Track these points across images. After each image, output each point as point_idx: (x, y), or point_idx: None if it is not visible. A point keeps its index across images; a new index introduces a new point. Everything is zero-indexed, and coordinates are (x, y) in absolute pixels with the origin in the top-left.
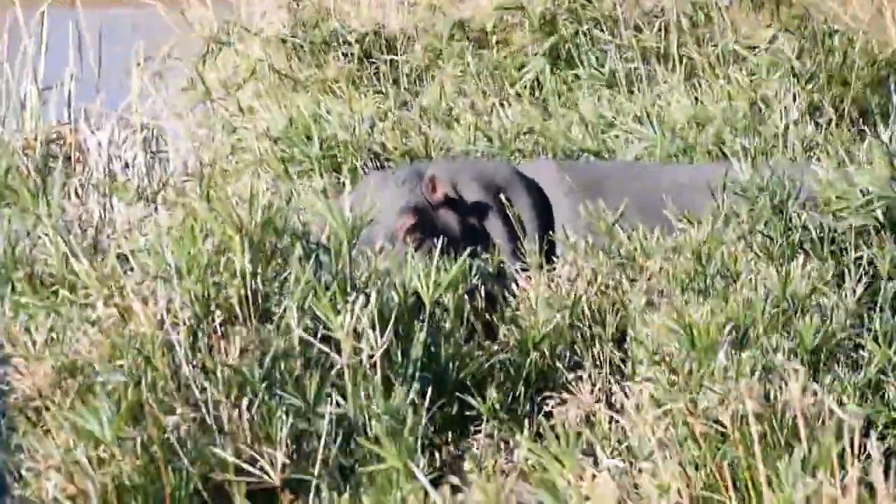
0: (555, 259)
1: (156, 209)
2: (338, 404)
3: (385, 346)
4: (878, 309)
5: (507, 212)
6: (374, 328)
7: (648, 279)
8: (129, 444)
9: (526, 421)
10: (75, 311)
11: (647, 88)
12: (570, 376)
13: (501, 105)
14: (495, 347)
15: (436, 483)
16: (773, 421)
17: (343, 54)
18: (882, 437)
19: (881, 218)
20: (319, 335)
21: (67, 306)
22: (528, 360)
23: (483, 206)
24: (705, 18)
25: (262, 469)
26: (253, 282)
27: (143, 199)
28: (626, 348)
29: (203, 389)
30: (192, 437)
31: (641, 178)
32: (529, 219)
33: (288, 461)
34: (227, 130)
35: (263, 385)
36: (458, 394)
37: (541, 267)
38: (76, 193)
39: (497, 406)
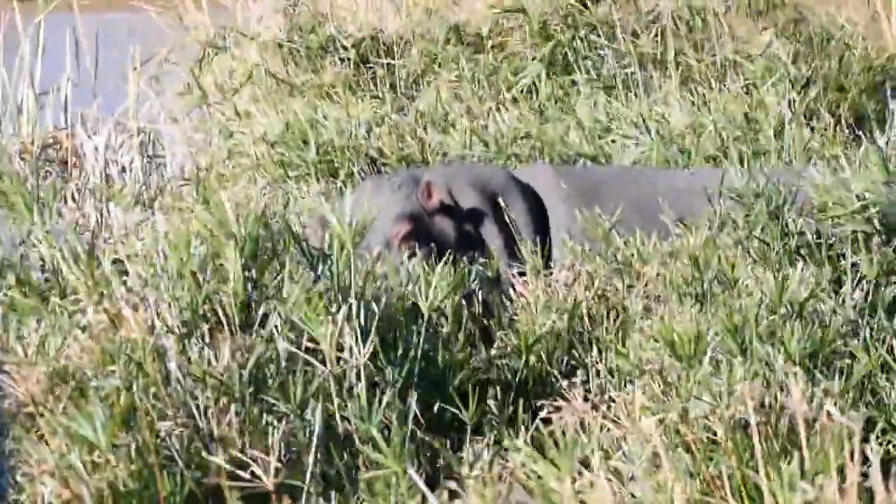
0: (551, 264)
1: (152, 213)
2: (327, 411)
3: (370, 355)
4: (870, 314)
5: (503, 217)
6: (362, 337)
7: (645, 285)
8: (123, 450)
9: (522, 427)
10: (66, 317)
11: (644, 94)
12: (566, 383)
13: (498, 110)
14: (492, 353)
15: (432, 488)
16: (770, 427)
17: (340, 59)
18: (879, 442)
19: (877, 224)
20: (305, 345)
21: (58, 312)
22: (525, 365)
23: (479, 212)
24: (702, 24)
25: (254, 474)
26: (244, 288)
27: (138, 204)
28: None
29: (194, 395)
30: (184, 442)
31: (638, 182)
32: (525, 224)
33: (281, 466)
34: (224, 135)
35: (249, 392)
36: (452, 400)
37: (538, 272)
38: (73, 198)
39: (495, 411)
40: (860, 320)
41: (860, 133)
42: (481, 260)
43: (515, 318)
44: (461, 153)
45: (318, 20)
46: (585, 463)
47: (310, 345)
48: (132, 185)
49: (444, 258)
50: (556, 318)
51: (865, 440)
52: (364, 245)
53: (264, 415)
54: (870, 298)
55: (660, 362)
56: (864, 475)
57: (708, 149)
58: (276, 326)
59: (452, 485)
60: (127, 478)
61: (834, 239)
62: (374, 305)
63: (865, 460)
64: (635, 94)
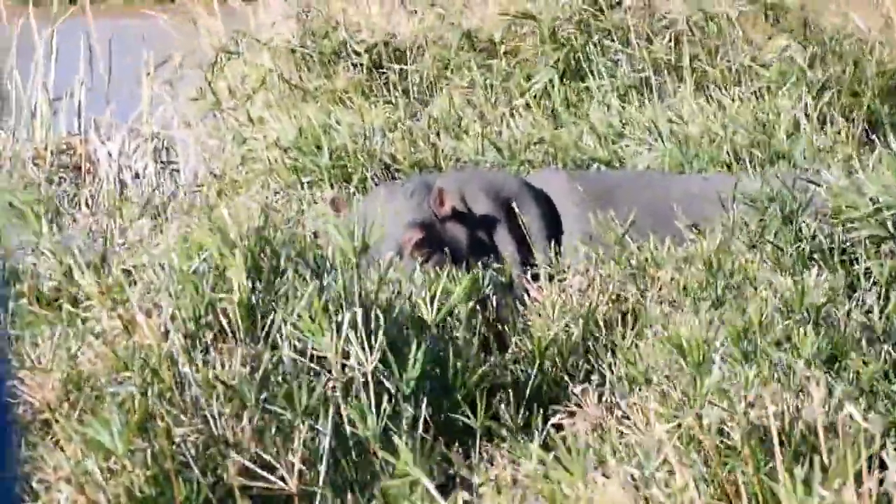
0: (565, 270)
1: (165, 220)
2: (338, 417)
3: (376, 363)
4: (883, 317)
5: (516, 223)
6: (368, 345)
7: (659, 290)
8: (138, 455)
9: (536, 432)
10: (80, 324)
11: (658, 99)
12: (580, 388)
13: (511, 115)
14: (506, 357)
15: (445, 494)
16: (787, 432)
17: (353, 64)
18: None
19: (891, 227)
20: (311, 353)
21: (72, 319)
22: (539, 370)
23: (492, 219)
24: (716, 29)
25: (280, 477)
26: (249, 298)
27: (145, 214)
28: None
29: (209, 402)
30: (199, 447)
31: (652, 187)
32: (538, 229)
33: (304, 468)
34: (238, 140)
35: (260, 399)
36: (462, 405)
37: (551, 277)
38: (86, 204)
39: (508, 417)
40: (874, 324)
41: (874, 137)
42: (495, 265)
43: (530, 323)
44: (474, 159)
45: (330, 25)
46: (599, 468)
47: (316, 352)
48: (142, 194)
49: (456, 265)
50: (570, 323)
51: (882, 445)
52: (376, 252)
53: (275, 421)
54: (882, 302)
55: (670, 368)
56: (881, 480)
57: (722, 154)
58: (280, 335)
59: (465, 495)
60: (143, 484)
61: (847, 243)
62: (379, 312)
63: (882, 465)
64: (649, 100)
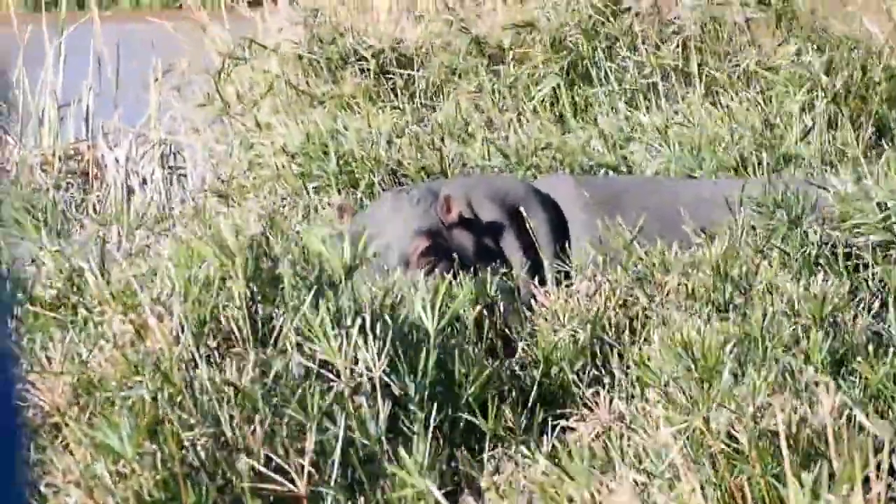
0: (572, 275)
1: (171, 226)
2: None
3: (384, 368)
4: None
5: (523, 229)
6: (375, 351)
7: (667, 295)
8: (148, 459)
9: (543, 437)
10: (91, 328)
11: (666, 104)
12: (589, 392)
13: (518, 121)
14: (513, 362)
15: (451, 501)
16: (795, 437)
17: (360, 70)
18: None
19: None
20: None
21: (82, 323)
22: (547, 375)
23: (498, 225)
24: (725, 35)
25: (290, 480)
26: (250, 307)
27: (144, 224)
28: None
29: (220, 406)
30: (209, 451)
31: (660, 192)
32: (545, 235)
33: (313, 471)
34: (245, 146)
35: (271, 404)
36: (471, 410)
37: (559, 282)
38: (94, 210)
39: (512, 422)
40: (881, 329)
41: (882, 142)
42: (502, 270)
43: (537, 328)
44: (481, 164)
45: (338, 31)
46: (606, 472)
47: (323, 356)
48: (148, 200)
49: (464, 271)
50: (577, 328)
51: (893, 451)
52: (382, 260)
53: (285, 426)
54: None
55: (679, 373)
56: (890, 486)
57: (729, 158)
58: (288, 341)
59: (471, 501)
60: (152, 487)
61: (852, 248)
62: (388, 317)
63: (892, 471)
64: (657, 105)
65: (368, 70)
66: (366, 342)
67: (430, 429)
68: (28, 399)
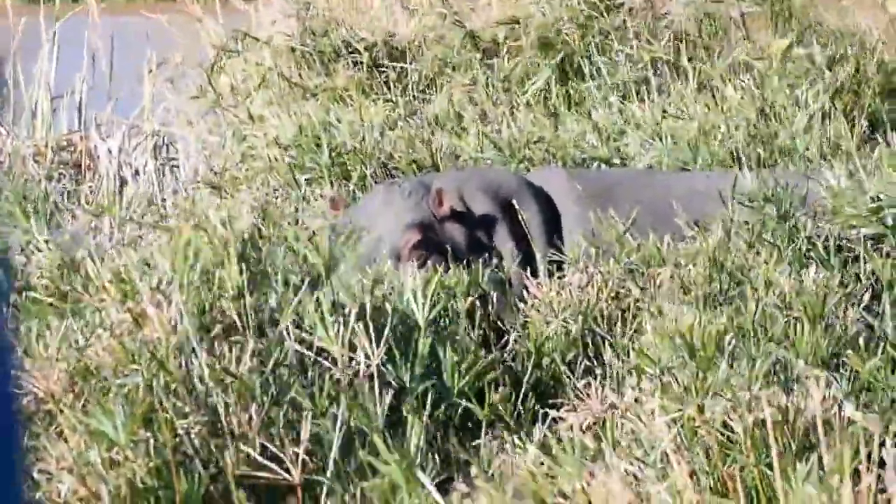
0: (564, 267)
1: (162, 218)
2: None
3: (381, 357)
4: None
5: (515, 222)
6: (369, 340)
7: (659, 287)
8: (141, 447)
9: (535, 427)
10: (88, 316)
11: (659, 98)
12: (581, 383)
13: (511, 114)
14: (505, 354)
15: (443, 489)
16: (786, 428)
17: (353, 62)
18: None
19: (891, 224)
20: (316, 347)
21: (80, 311)
22: (539, 367)
23: (491, 218)
24: (719, 30)
25: (285, 469)
26: (245, 297)
27: (134, 217)
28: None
29: (217, 393)
30: (203, 439)
31: (652, 185)
32: (538, 227)
33: (308, 460)
34: (238, 138)
35: (270, 392)
36: (464, 400)
37: (551, 274)
38: (86, 201)
39: (504, 412)
40: (873, 323)
41: (875, 136)
42: (494, 262)
43: (529, 319)
44: (473, 157)
45: (330, 24)
46: (596, 462)
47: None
48: (139, 193)
49: (455, 265)
50: (569, 320)
51: (882, 443)
52: (374, 253)
53: (282, 415)
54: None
55: (675, 362)
56: (880, 477)
57: (722, 151)
58: (286, 329)
59: (463, 487)
60: (145, 475)
61: (843, 241)
62: (388, 307)
63: (882, 463)
64: (650, 98)
65: (361, 63)
66: (367, 330)
67: (424, 418)
68: (23, 386)
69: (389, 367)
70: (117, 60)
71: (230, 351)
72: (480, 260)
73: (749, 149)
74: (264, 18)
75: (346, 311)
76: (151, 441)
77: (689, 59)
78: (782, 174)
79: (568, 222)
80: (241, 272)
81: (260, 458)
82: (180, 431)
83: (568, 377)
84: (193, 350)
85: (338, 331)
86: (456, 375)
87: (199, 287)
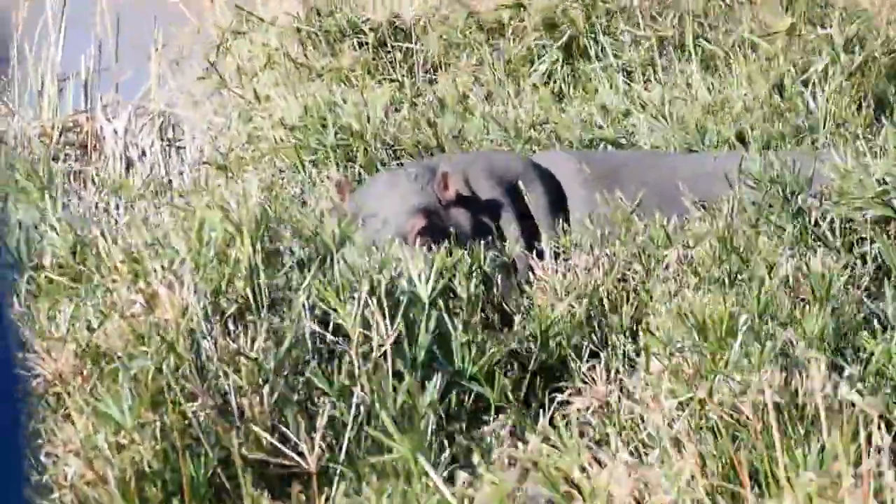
0: (571, 248)
1: (170, 198)
2: (352, 392)
3: (395, 336)
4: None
5: (521, 205)
6: (383, 318)
7: (665, 268)
8: (148, 430)
9: (540, 411)
10: (99, 297)
11: (664, 78)
12: (586, 366)
13: (517, 95)
14: (510, 336)
15: (448, 472)
16: (791, 411)
17: (358, 43)
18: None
19: None
20: (331, 327)
21: (92, 292)
22: (544, 349)
23: (496, 202)
24: (726, 7)
25: (299, 454)
26: (258, 276)
27: (150, 194)
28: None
29: (226, 375)
30: (212, 423)
31: (658, 167)
32: (544, 210)
33: (324, 447)
34: (244, 119)
35: (284, 374)
36: (470, 383)
37: (557, 255)
38: (92, 181)
39: (509, 395)
40: (872, 306)
41: (880, 117)
42: (499, 244)
43: (534, 302)
44: (479, 138)
45: (335, 4)
46: (601, 446)
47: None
48: (145, 174)
49: (459, 247)
50: (574, 302)
51: (889, 426)
52: (377, 238)
53: (296, 396)
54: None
55: (686, 343)
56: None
57: (729, 131)
58: (303, 307)
59: (465, 474)
60: (151, 459)
61: (848, 224)
62: (402, 284)
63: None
64: (656, 79)
65: (367, 43)
66: (381, 308)
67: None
68: (32, 367)
69: (401, 346)
70: (123, 41)
71: (245, 332)
72: (484, 243)
73: (755, 131)
74: None
75: (359, 289)
76: (158, 424)
77: (695, 38)
78: (790, 155)
79: (574, 204)
80: (254, 251)
81: (273, 442)
82: (189, 415)
83: (574, 360)
84: (204, 331)
85: (352, 309)
86: (467, 357)
87: (212, 266)
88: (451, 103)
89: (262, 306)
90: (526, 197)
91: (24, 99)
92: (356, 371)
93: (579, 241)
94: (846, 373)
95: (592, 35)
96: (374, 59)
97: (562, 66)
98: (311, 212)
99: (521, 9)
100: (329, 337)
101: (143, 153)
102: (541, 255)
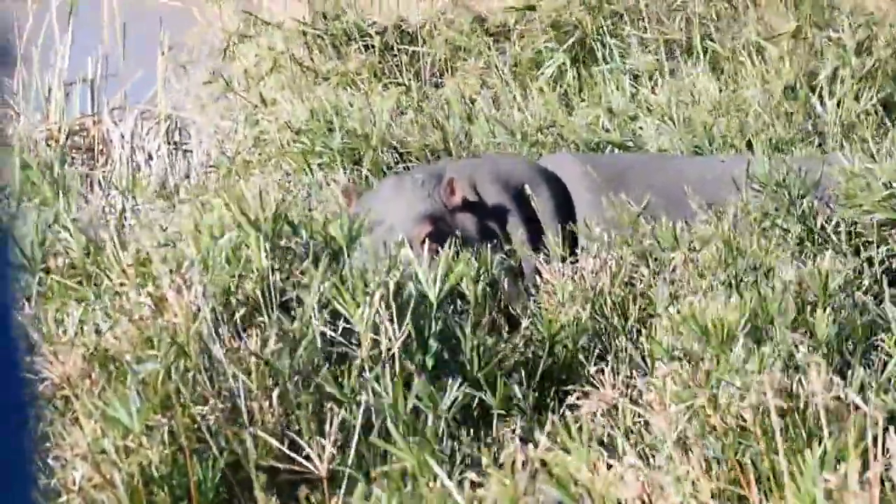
0: (577, 252)
1: (179, 201)
2: (372, 393)
3: (402, 339)
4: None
5: (528, 209)
6: (391, 321)
7: (672, 271)
8: (156, 433)
9: (549, 414)
10: (107, 300)
11: (672, 80)
12: (593, 369)
13: (523, 98)
14: (518, 340)
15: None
16: (795, 415)
17: (364, 47)
18: None
19: None
20: (340, 329)
21: (101, 295)
22: (550, 353)
23: (503, 208)
24: (731, 10)
25: (308, 460)
26: (270, 276)
27: (160, 196)
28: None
29: (235, 377)
30: (221, 426)
31: (665, 170)
32: (550, 214)
33: (335, 452)
34: (250, 122)
35: (294, 377)
36: (479, 387)
37: (564, 259)
38: (99, 185)
39: (519, 399)
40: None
41: (886, 120)
42: (506, 248)
43: (541, 306)
44: (486, 142)
45: (341, 7)
46: (608, 449)
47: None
48: (158, 173)
49: (465, 251)
50: (581, 306)
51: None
52: (383, 243)
53: (305, 400)
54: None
55: (690, 347)
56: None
57: (735, 135)
58: (311, 310)
59: (473, 475)
60: (159, 463)
61: (854, 227)
62: (412, 286)
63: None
64: (663, 81)
65: (373, 47)
66: (388, 309)
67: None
68: (39, 371)
69: (410, 349)
70: (130, 44)
71: (256, 334)
72: (491, 247)
73: (762, 135)
74: (276, 2)
75: (371, 291)
76: (166, 428)
77: (702, 40)
78: (797, 159)
79: (581, 208)
80: (267, 251)
81: (283, 448)
82: (198, 419)
83: (581, 364)
84: (214, 336)
85: (364, 311)
86: (475, 360)
87: (223, 266)
88: (458, 107)
89: (273, 308)
90: (532, 201)
91: (31, 102)
92: (366, 374)
93: (586, 245)
94: (855, 375)
95: (599, 38)
96: (380, 62)
97: (569, 69)
98: (320, 213)
99: (531, 10)
100: (338, 339)
101: (150, 157)
102: (548, 260)
